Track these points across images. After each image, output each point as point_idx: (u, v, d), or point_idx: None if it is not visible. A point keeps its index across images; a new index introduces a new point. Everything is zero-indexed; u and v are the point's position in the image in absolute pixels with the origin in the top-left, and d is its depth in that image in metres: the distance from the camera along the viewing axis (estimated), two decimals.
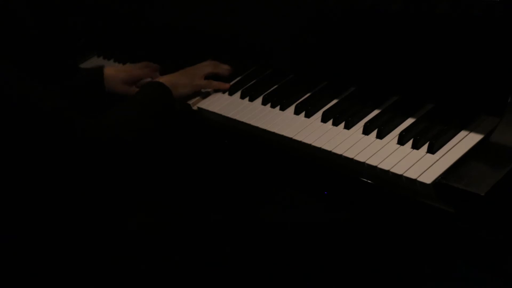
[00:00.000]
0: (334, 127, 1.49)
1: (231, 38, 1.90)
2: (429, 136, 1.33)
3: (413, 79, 1.49)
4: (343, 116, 1.49)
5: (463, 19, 1.34)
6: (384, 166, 1.31)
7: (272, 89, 1.71)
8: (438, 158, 1.28)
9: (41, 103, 1.36)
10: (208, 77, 1.80)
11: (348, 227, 1.59)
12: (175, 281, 1.52)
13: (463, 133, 1.33)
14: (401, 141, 1.36)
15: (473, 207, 1.18)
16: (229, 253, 1.55)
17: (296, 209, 1.62)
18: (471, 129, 1.33)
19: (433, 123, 1.37)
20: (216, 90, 1.79)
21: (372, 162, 1.33)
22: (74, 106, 1.41)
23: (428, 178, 1.23)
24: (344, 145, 1.40)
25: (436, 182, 1.22)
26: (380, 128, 1.41)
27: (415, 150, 1.32)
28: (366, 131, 1.43)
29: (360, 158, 1.35)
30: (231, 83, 1.79)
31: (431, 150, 1.30)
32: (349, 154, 1.37)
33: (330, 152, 1.40)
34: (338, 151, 1.39)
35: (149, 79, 1.90)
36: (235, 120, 1.64)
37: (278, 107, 1.62)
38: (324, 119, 1.52)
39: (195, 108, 1.75)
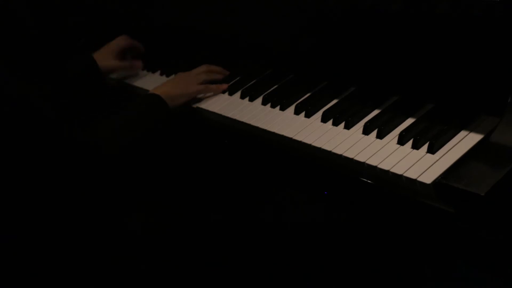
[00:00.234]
0: (334, 127, 1.48)
1: (231, 38, 1.90)
2: (429, 136, 1.33)
3: (413, 79, 1.49)
4: (343, 116, 1.49)
5: (463, 19, 1.34)
6: (384, 166, 1.31)
7: (272, 89, 1.71)
8: (438, 158, 1.28)
9: (41, 105, 1.37)
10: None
11: (348, 227, 1.59)
12: (175, 281, 1.52)
13: (463, 133, 1.33)
14: (401, 141, 1.36)
15: (473, 207, 1.18)
16: (229, 253, 1.55)
17: (296, 209, 1.62)
18: (471, 129, 1.33)
19: (433, 123, 1.37)
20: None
21: (372, 162, 1.33)
22: (74, 102, 1.43)
23: (428, 178, 1.23)
24: (344, 145, 1.40)
25: (436, 182, 1.22)
26: (380, 128, 1.41)
27: (415, 150, 1.32)
28: (366, 131, 1.43)
29: (360, 158, 1.35)
30: (231, 83, 1.79)
31: (431, 150, 1.30)
32: (349, 154, 1.37)
33: (330, 152, 1.40)
34: (338, 151, 1.39)
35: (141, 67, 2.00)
36: (235, 120, 1.64)
37: (278, 107, 1.62)
38: (324, 119, 1.51)
39: (194, 106, 1.75)
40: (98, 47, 2.29)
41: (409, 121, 1.42)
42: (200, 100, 1.77)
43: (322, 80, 1.68)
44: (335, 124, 1.49)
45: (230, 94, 1.76)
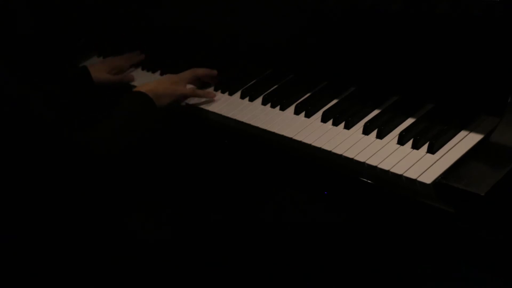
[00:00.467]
0: (334, 127, 1.48)
1: (231, 38, 1.90)
2: (429, 136, 1.33)
3: (413, 79, 1.49)
4: (343, 116, 1.49)
5: (463, 19, 1.34)
6: (384, 166, 1.31)
7: (272, 89, 1.71)
8: (438, 158, 1.28)
9: (40, 105, 1.37)
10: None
11: (348, 227, 1.59)
12: (175, 281, 1.52)
13: (463, 133, 1.33)
14: (401, 141, 1.36)
15: (473, 207, 1.18)
16: (229, 253, 1.55)
17: (296, 209, 1.62)
18: (471, 129, 1.33)
19: (433, 123, 1.37)
20: (216, 90, 1.79)
21: (372, 162, 1.33)
22: (71, 104, 1.44)
23: (428, 178, 1.23)
24: (344, 145, 1.40)
25: (436, 182, 1.22)
26: (380, 128, 1.41)
27: (415, 150, 1.32)
28: (366, 131, 1.43)
29: (360, 158, 1.35)
30: (231, 83, 1.79)
31: (431, 150, 1.30)
32: (349, 154, 1.37)
33: (330, 152, 1.40)
34: (338, 151, 1.39)
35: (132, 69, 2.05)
36: (235, 120, 1.64)
37: (278, 107, 1.62)
38: (324, 119, 1.51)
39: (194, 106, 1.75)
40: (98, 47, 2.30)
41: (409, 121, 1.42)
42: (200, 100, 1.77)
43: (322, 80, 1.68)
44: (335, 124, 1.49)
45: (230, 94, 1.76)
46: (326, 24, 1.63)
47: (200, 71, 1.80)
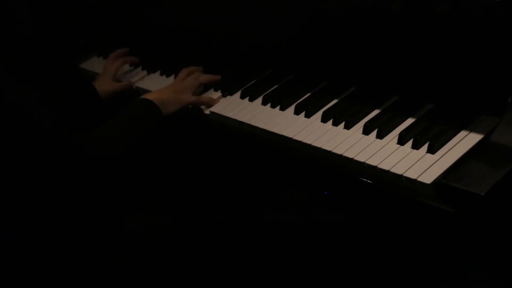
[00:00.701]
0: (334, 127, 1.48)
1: (231, 38, 1.90)
2: (429, 136, 1.33)
3: (413, 79, 1.49)
4: (343, 116, 1.49)
5: (463, 19, 1.34)
6: (384, 166, 1.31)
7: (272, 89, 1.71)
8: (438, 158, 1.28)
9: (39, 106, 1.37)
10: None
11: (348, 227, 1.59)
12: (175, 281, 1.52)
13: (463, 133, 1.33)
14: (401, 141, 1.36)
15: (473, 207, 1.18)
16: (229, 253, 1.55)
17: (296, 209, 1.62)
18: (471, 129, 1.33)
19: (433, 123, 1.37)
20: (216, 90, 1.79)
21: (372, 162, 1.33)
22: (71, 104, 1.44)
23: (428, 178, 1.23)
24: (344, 145, 1.40)
25: (436, 182, 1.22)
26: (380, 128, 1.41)
27: (415, 150, 1.32)
28: (366, 131, 1.43)
29: (360, 158, 1.35)
30: (231, 83, 1.79)
31: (431, 150, 1.30)
32: (349, 154, 1.37)
33: (330, 152, 1.40)
34: (338, 151, 1.39)
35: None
36: (235, 120, 1.64)
37: (278, 107, 1.62)
38: (324, 119, 1.51)
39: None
40: (98, 47, 2.30)
41: (409, 121, 1.42)
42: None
43: (322, 80, 1.68)
44: (335, 124, 1.49)
45: (230, 94, 1.76)
46: (326, 24, 1.63)
47: (204, 79, 1.80)
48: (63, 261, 1.47)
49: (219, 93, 1.78)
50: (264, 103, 1.67)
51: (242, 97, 1.73)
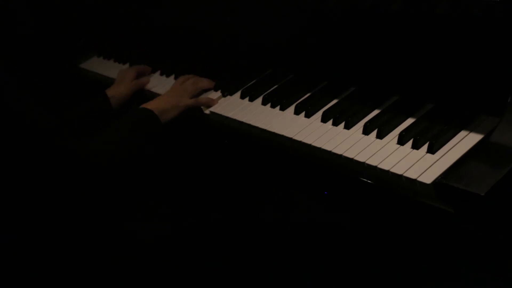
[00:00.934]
0: (334, 127, 1.48)
1: (231, 38, 1.90)
2: (429, 136, 1.33)
3: (413, 79, 1.49)
4: (343, 116, 1.49)
5: (463, 19, 1.34)
6: (384, 166, 1.31)
7: (272, 89, 1.71)
8: (438, 158, 1.28)
9: (39, 107, 1.37)
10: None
11: (348, 227, 1.59)
12: (175, 281, 1.52)
13: (463, 133, 1.33)
14: (401, 141, 1.36)
15: (473, 207, 1.18)
16: (229, 253, 1.55)
17: (296, 209, 1.62)
18: (471, 129, 1.33)
19: (433, 123, 1.37)
20: (216, 90, 1.80)
21: (372, 162, 1.33)
22: (71, 105, 1.44)
23: (428, 178, 1.23)
24: (344, 145, 1.40)
25: (436, 182, 1.22)
26: (380, 128, 1.41)
27: (415, 150, 1.32)
28: (366, 131, 1.43)
29: (360, 158, 1.35)
30: (231, 83, 1.79)
31: (431, 150, 1.30)
32: (349, 154, 1.37)
33: (330, 152, 1.40)
34: (338, 151, 1.39)
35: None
36: (235, 120, 1.64)
37: (278, 107, 1.62)
38: (324, 119, 1.51)
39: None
40: (98, 47, 2.30)
41: (409, 121, 1.42)
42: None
43: (322, 80, 1.68)
44: (335, 124, 1.49)
45: (230, 94, 1.76)
46: (326, 24, 1.63)
47: (202, 84, 1.81)
48: (63, 261, 1.47)
49: (219, 93, 1.78)
50: (264, 103, 1.67)
51: (242, 97, 1.73)
